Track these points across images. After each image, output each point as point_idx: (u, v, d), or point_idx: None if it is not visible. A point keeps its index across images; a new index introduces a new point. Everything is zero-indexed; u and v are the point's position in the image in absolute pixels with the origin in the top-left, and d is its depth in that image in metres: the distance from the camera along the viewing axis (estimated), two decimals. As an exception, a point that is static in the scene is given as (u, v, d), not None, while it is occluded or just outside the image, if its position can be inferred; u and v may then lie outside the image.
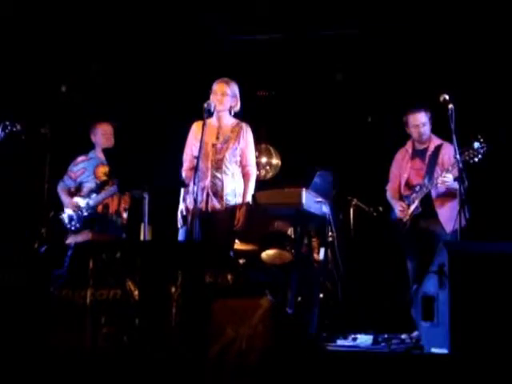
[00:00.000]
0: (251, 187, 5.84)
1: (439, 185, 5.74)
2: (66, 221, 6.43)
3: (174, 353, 4.34)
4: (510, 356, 4.25)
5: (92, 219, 6.41)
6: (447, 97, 5.35)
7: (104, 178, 6.45)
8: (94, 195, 6.41)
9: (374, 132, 7.40)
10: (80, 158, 6.65)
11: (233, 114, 5.88)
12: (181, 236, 5.74)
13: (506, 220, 6.47)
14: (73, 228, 6.40)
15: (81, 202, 6.44)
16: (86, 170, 6.57)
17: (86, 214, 6.40)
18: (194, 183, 5.41)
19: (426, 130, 6.05)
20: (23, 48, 7.27)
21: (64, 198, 6.52)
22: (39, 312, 4.64)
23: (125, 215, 6.51)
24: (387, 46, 7.24)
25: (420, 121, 6.03)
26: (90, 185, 6.49)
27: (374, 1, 6.98)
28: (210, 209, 5.70)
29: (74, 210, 6.43)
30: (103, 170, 6.50)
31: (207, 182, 5.71)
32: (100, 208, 6.43)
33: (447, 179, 5.67)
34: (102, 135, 6.57)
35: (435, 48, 7.02)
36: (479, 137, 5.54)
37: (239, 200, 5.75)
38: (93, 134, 6.63)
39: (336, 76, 7.66)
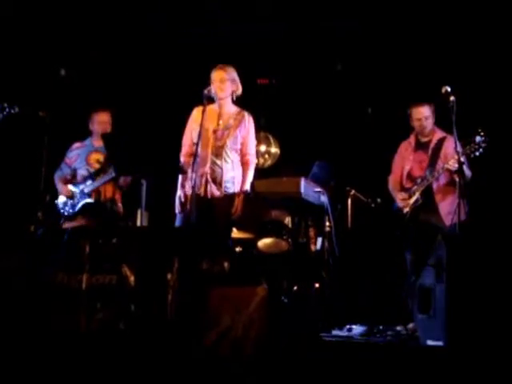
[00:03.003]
0: (250, 176, 5.82)
1: (450, 166, 5.65)
2: (61, 206, 6.41)
3: (169, 339, 4.34)
4: (505, 349, 4.26)
5: (85, 206, 6.38)
6: (449, 89, 5.33)
7: (96, 165, 6.42)
8: (89, 182, 6.38)
9: (374, 123, 7.37)
10: (75, 145, 6.63)
11: (235, 98, 5.86)
12: (178, 222, 5.72)
13: (505, 214, 6.46)
14: (65, 213, 6.38)
15: (75, 188, 6.42)
16: (80, 156, 6.54)
17: (79, 200, 6.38)
18: (193, 170, 5.40)
19: (429, 123, 6.02)
20: (22, 30, 7.22)
21: (59, 186, 6.50)
22: (35, 295, 4.63)
23: (118, 202, 6.48)
24: (388, 37, 7.20)
25: (423, 114, 6.01)
26: (82, 172, 6.46)
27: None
28: (208, 195, 5.68)
29: (67, 197, 6.40)
30: (96, 156, 6.47)
31: (206, 169, 5.69)
32: (93, 195, 6.40)
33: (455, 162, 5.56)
34: (99, 124, 6.54)
35: (436, 39, 6.97)
36: (480, 130, 5.52)
37: (238, 188, 5.74)
38: (90, 122, 6.60)
39: (336, 66, 7.62)
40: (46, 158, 6.09)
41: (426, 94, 6.05)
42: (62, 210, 6.40)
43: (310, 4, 7.12)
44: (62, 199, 6.42)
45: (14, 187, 7.14)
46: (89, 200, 6.36)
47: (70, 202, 6.40)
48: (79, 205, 6.37)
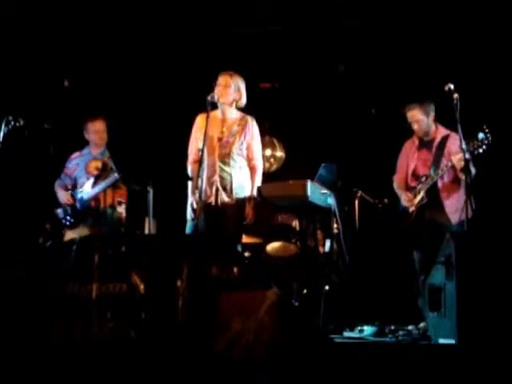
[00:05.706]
0: (258, 181, 5.85)
1: (455, 163, 5.62)
2: (61, 215, 6.40)
3: (180, 346, 4.33)
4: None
5: (86, 213, 6.37)
6: (452, 86, 5.32)
7: (95, 172, 6.40)
8: (89, 188, 6.36)
9: (378, 124, 7.37)
10: (74, 155, 6.62)
11: (237, 107, 5.87)
12: (189, 229, 5.71)
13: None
14: (67, 223, 6.37)
15: (75, 195, 6.41)
16: (79, 165, 6.54)
17: (79, 207, 6.37)
18: (199, 176, 5.41)
19: (423, 124, 5.98)
20: (26, 43, 7.25)
21: (59, 193, 6.48)
22: (44, 306, 4.63)
23: (119, 209, 6.45)
24: (390, 35, 7.19)
25: (414, 118, 6.00)
26: (82, 180, 6.46)
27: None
28: (219, 203, 5.69)
29: (68, 204, 6.40)
30: (95, 164, 6.46)
31: (216, 177, 5.71)
32: (93, 202, 6.38)
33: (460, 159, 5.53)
34: (94, 132, 6.51)
35: (439, 36, 6.97)
36: (484, 127, 5.51)
37: (247, 193, 5.75)
38: (85, 131, 6.57)
39: (338, 68, 7.61)
40: (52, 170, 6.09)
41: (429, 92, 6.04)
42: (63, 220, 6.39)
43: (310, 5, 7.12)
44: (62, 208, 6.41)
45: (21, 200, 7.15)
46: (87, 207, 6.34)
47: (70, 210, 6.38)
48: (79, 213, 6.36)
